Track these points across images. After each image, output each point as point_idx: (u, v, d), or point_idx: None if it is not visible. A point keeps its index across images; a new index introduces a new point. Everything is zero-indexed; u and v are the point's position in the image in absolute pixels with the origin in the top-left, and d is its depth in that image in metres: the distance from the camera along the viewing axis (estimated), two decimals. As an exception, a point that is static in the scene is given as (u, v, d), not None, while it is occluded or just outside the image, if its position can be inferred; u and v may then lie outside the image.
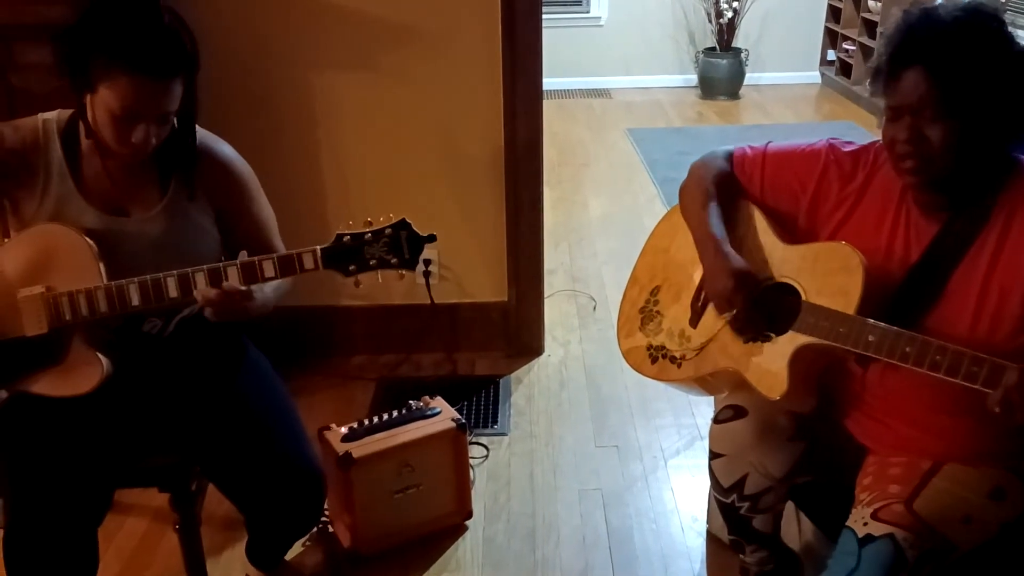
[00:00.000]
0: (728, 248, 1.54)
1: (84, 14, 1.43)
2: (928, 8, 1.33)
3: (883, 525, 1.37)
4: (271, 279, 1.49)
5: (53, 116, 1.56)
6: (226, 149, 1.66)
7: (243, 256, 1.50)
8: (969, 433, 1.42)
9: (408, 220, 1.47)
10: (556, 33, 6.18)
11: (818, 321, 1.40)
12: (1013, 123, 1.33)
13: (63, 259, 1.49)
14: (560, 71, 6.58)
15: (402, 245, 1.46)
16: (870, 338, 1.34)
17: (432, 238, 1.48)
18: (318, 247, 1.47)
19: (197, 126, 1.61)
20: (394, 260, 1.47)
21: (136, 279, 1.47)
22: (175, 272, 1.47)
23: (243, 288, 1.47)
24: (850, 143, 1.54)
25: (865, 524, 1.39)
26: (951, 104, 1.30)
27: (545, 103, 2.74)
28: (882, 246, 1.45)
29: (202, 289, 1.46)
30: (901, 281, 1.41)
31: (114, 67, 1.40)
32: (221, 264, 1.48)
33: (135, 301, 1.48)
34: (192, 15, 1.47)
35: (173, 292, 1.48)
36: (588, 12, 6.97)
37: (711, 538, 2.12)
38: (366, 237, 1.46)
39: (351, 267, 1.47)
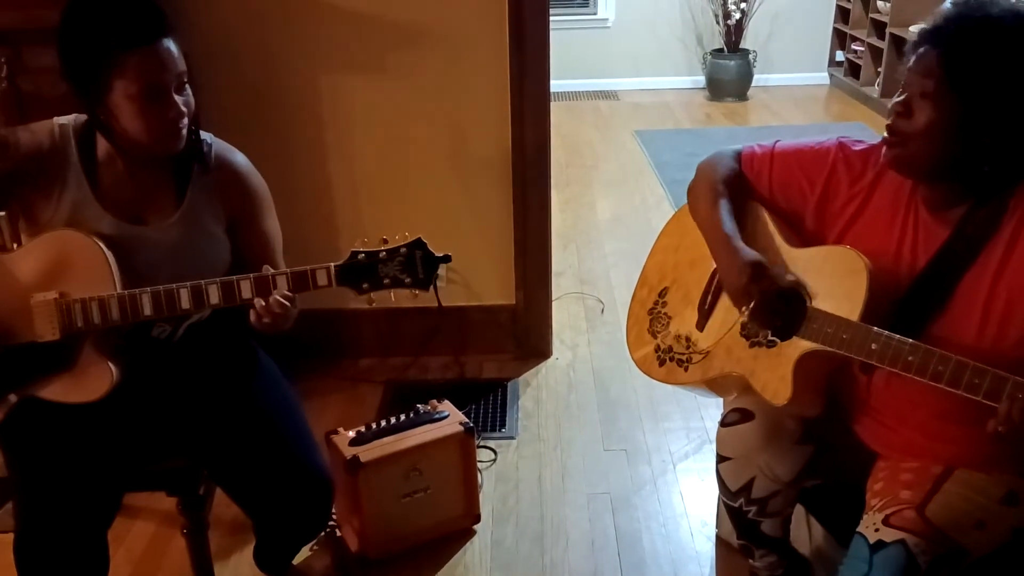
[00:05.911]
0: (739, 243, 1.52)
1: (64, 29, 1.43)
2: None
3: (895, 531, 1.36)
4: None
5: (69, 120, 1.55)
6: (241, 159, 1.66)
7: (267, 269, 1.49)
8: (979, 440, 1.39)
9: (424, 240, 1.46)
10: (564, 35, 6.16)
11: (823, 327, 1.39)
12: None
13: (78, 266, 1.49)
14: (568, 73, 6.57)
15: (416, 265, 1.45)
16: (873, 346, 1.33)
17: (447, 258, 1.47)
18: (332, 264, 1.46)
19: (214, 136, 1.61)
20: (408, 280, 1.46)
21: (149, 289, 1.47)
22: (188, 284, 1.47)
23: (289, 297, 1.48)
24: (860, 142, 1.53)
25: (877, 530, 1.38)
26: (955, 79, 1.27)
27: (553, 105, 2.74)
28: (891, 248, 1.44)
29: (261, 297, 1.46)
30: (908, 286, 1.40)
31: (118, 57, 1.40)
32: (235, 278, 1.48)
33: (147, 311, 1.48)
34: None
35: (186, 303, 1.48)
36: (596, 14, 6.95)
37: (720, 542, 2.11)
38: (380, 256, 1.45)
39: (364, 285, 1.47)
